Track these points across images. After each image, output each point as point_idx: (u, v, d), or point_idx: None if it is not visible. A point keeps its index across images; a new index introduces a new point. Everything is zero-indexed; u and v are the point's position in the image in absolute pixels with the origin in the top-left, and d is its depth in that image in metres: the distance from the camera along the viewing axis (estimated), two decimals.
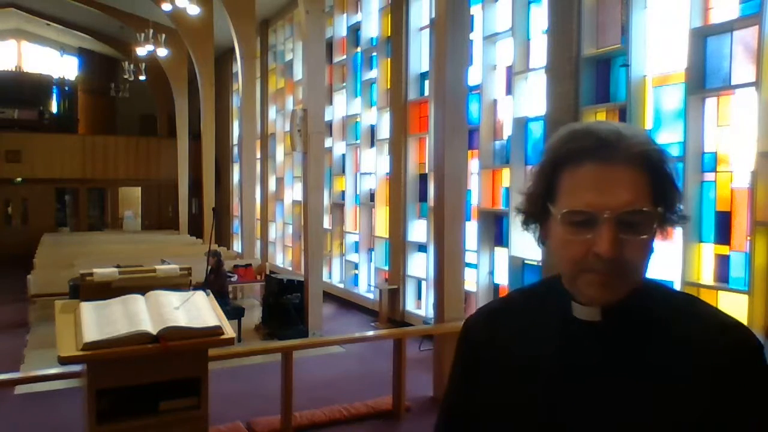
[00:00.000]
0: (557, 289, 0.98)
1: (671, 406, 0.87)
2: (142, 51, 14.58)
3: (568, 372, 0.94)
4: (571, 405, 0.92)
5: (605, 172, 0.88)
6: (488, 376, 1.03)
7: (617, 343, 0.92)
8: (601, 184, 0.87)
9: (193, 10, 11.66)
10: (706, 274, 5.07)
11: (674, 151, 5.23)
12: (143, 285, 3.14)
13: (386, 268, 9.73)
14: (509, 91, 7.08)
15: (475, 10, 7.41)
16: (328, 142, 10.87)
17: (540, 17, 6.58)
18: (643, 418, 0.87)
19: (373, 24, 10.23)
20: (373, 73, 10.24)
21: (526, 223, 1.00)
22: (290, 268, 13.56)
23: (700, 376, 0.87)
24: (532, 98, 6.67)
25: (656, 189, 0.89)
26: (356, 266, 11.01)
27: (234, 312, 7.82)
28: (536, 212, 0.97)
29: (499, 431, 0.99)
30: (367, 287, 10.51)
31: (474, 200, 7.65)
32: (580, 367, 0.93)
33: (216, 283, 8.00)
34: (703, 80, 5.00)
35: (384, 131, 9.74)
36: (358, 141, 10.77)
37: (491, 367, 1.02)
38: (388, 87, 9.57)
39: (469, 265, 7.03)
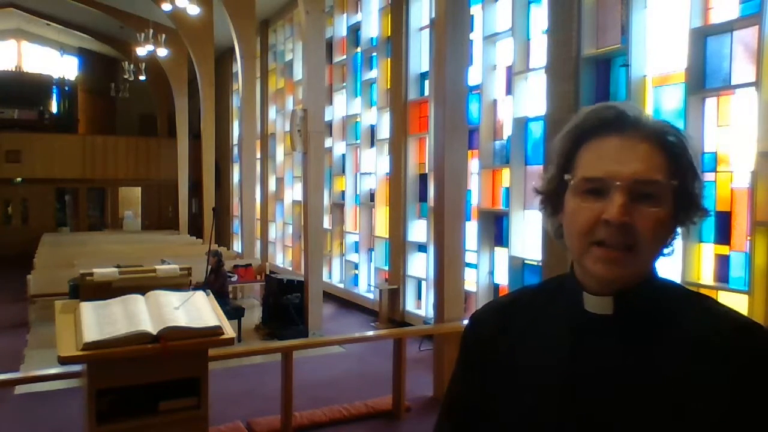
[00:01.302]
0: (567, 285, 0.97)
1: (689, 407, 0.85)
2: (142, 51, 14.58)
3: (580, 368, 0.92)
4: (581, 405, 0.90)
5: (623, 144, 0.90)
6: (494, 373, 1.01)
7: (630, 339, 0.91)
8: (618, 155, 0.89)
9: (193, 10, 11.66)
10: (706, 274, 5.07)
11: None
12: (143, 285, 3.14)
13: (386, 268, 9.73)
14: (509, 91, 7.08)
15: (475, 10, 7.41)
16: (328, 142, 10.88)
17: (540, 17, 6.58)
18: (660, 419, 0.86)
19: (373, 24, 10.23)
20: (373, 73, 10.24)
21: (543, 204, 1.00)
22: (290, 268, 13.56)
23: (718, 376, 0.85)
24: (532, 98, 6.67)
25: (674, 169, 0.90)
26: (356, 266, 11.00)
27: (234, 312, 7.82)
28: (553, 191, 0.97)
29: (504, 430, 0.98)
30: (367, 287, 10.51)
31: (474, 200, 7.65)
32: (593, 363, 0.92)
33: (216, 283, 8.00)
34: (703, 80, 5.00)
35: (384, 131, 9.74)
36: (358, 141, 10.77)
37: (497, 364, 1.01)
38: (388, 87, 9.57)
39: (469, 265, 7.04)
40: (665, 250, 0.93)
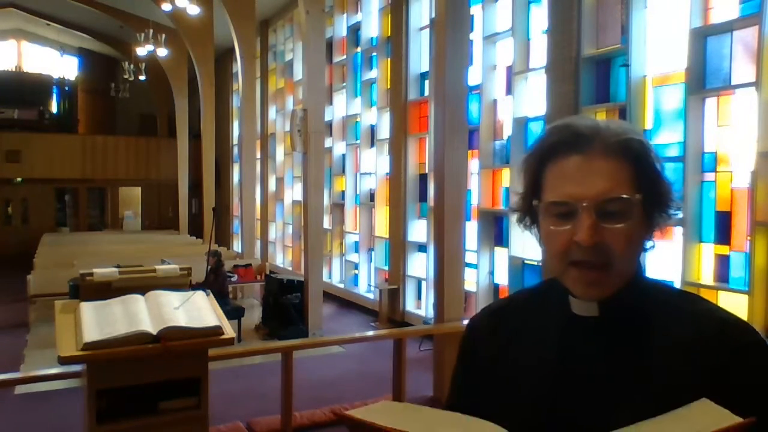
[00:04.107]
0: (558, 287, 0.98)
1: (671, 405, 0.86)
2: (142, 51, 14.59)
3: (567, 369, 0.94)
4: (570, 402, 0.92)
5: (584, 163, 0.90)
6: (490, 375, 1.03)
7: (616, 339, 0.93)
8: (580, 176, 0.90)
9: (193, 10, 11.67)
10: (706, 274, 5.07)
11: (674, 151, 5.23)
12: (143, 285, 3.14)
13: (386, 268, 9.73)
14: (509, 91, 7.08)
15: (475, 10, 7.41)
16: (328, 142, 10.87)
17: (540, 17, 6.58)
18: (643, 417, 0.86)
19: (373, 24, 10.23)
20: (373, 73, 10.24)
21: (521, 221, 1.02)
22: (290, 268, 13.56)
23: (700, 373, 0.87)
24: (532, 98, 6.67)
25: (639, 178, 0.90)
26: (356, 266, 11.00)
27: (234, 312, 7.82)
28: (526, 209, 0.99)
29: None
30: (367, 287, 10.51)
31: (474, 200, 7.65)
32: (580, 364, 0.94)
33: (216, 284, 8.00)
34: (703, 80, 4.99)
35: (384, 131, 9.74)
36: (358, 141, 10.77)
37: (493, 366, 1.03)
38: (388, 87, 9.57)
39: (469, 265, 7.03)
40: (647, 244, 0.95)
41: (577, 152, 0.91)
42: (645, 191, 0.90)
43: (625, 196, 0.89)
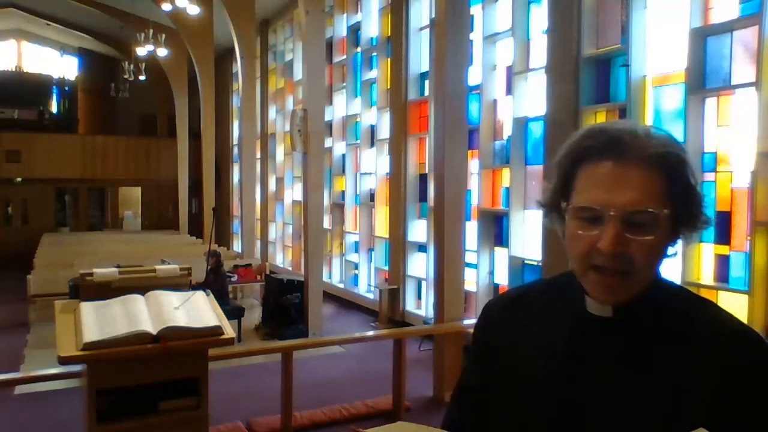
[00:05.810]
0: (575, 283, 0.98)
1: (678, 408, 0.87)
2: (142, 51, 14.57)
3: (577, 366, 0.95)
4: (578, 399, 0.93)
5: (617, 170, 0.89)
6: (502, 363, 1.04)
7: (628, 340, 0.93)
8: (611, 182, 0.89)
9: (193, 10, 11.66)
10: (706, 274, 5.07)
11: None
12: (143, 285, 3.14)
13: (386, 268, 9.72)
14: (509, 91, 7.08)
15: (475, 10, 7.41)
16: (328, 142, 10.87)
17: (540, 17, 6.58)
18: (649, 418, 0.88)
19: (373, 24, 10.23)
20: (373, 73, 10.24)
21: (546, 216, 1.02)
22: (290, 268, 13.55)
23: (709, 380, 0.87)
24: (532, 98, 6.67)
25: (671, 191, 0.89)
26: (356, 266, 11.00)
27: (234, 312, 7.82)
28: (553, 206, 0.98)
29: (509, 420, 1.00)
30: (367, 287, 10.51)
31: (474, 200, 7.65)
32: (590, 361, 0.95)
33: (216, 284, 7.99)
34: (703, 80, 4.99)
35: (384, 131, 9.74)
36: (358, 141, 10.77)
37: (506, 355, 1.04)
38: (388, 87, 9.57)
39: (469, 265, 7.03)
40: (669, 251, 0.94)
41: (611, 159, 0.89)
42: (675, 206, 0.89)
43: (652, 210, 0.87)
